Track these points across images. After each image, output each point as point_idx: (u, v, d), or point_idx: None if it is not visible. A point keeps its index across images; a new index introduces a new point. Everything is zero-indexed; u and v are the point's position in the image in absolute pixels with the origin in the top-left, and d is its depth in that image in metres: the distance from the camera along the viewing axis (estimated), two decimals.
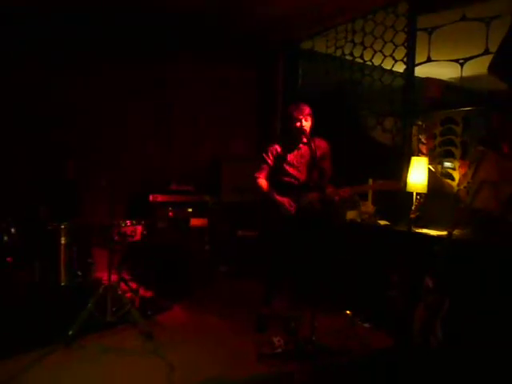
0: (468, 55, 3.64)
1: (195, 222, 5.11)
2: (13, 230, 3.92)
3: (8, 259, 3.79)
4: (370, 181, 4.14)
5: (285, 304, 3.95)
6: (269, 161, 3.73)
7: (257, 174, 3.73)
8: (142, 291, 4.10)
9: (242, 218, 5.37)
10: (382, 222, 4.17)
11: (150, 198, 4.89)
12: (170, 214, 4.96)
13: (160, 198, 4.96)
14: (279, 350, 3.24)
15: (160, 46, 5.28)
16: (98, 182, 3.85)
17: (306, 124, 3.56)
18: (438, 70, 4.28)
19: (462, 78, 3.86)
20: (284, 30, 5.16)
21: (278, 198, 3.59)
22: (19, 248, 3.87)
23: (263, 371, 2.99)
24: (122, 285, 3.95)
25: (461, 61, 3.70)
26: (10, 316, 3.45)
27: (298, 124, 3.55)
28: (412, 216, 3.72)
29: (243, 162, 5.19)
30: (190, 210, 5.12)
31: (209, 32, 5.24)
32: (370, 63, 4.48)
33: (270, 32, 5.23)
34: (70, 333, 3.28)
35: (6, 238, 3.90)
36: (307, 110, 3.57)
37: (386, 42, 4.24)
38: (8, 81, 4.60)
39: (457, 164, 3.79)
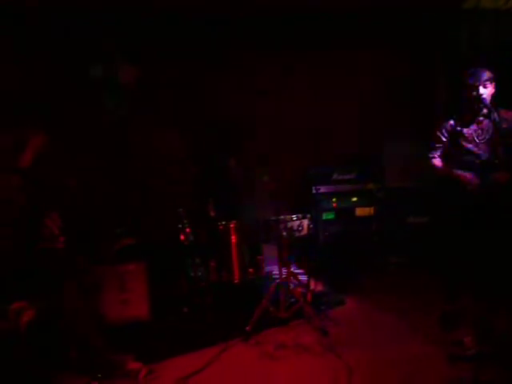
0: None
1: (361, 211, 4.91)
2: (188, 230, 4.16)
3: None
4: None
5: (472, 298, 3.49)
6: (443, 138, 3.35)
7: (431, 154, 3.40)
8: (313, 285, 4.04)
9: (411, 203, 5.00)
10: None
11: (313, 189, 4.82)
12: (335, 205, 4.83)
13: (323, 189, 4.86)
14: (472, 352, 2.84)
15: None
16: (261, 179, 3.92)
17: (485, 91, 3.08)
18: None
19: None
20: None
21: (460, 172, 3.20)
22: (196, 247, 4.09)
23: (454, 377, 2.66)
24: (293, 280, 3.94)
25: None
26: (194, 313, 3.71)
27: (474, 93, 3.09)
28: None
29: (406, 145, 4.85)
30: (354, 199, 4.92)
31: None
32: None
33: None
34: (247, 328, 3.37)
35: (183, 238, 4.18)
36: (485, 75, 3.08)
37: None
38: None
39: None
